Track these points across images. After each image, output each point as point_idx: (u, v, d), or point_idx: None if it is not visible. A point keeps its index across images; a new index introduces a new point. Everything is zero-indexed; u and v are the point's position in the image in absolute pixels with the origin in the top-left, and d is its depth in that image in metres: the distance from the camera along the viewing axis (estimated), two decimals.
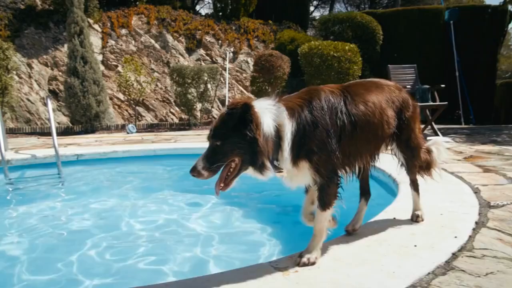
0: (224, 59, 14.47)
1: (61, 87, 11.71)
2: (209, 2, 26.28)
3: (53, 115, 8.19)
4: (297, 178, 1.96)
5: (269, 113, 1.84)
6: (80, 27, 10.59)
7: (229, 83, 13.73)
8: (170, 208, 4.12)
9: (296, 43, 14.07)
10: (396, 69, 7.41)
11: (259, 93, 12.98)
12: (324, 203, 1.98)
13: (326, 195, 1.97)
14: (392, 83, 2.39)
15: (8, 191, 5.16)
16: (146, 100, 12.95)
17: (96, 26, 13.66)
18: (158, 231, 3.41)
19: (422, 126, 7.45)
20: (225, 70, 13.73)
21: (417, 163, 2.48)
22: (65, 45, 12.83)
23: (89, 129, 10.87)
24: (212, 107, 13.14)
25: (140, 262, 2.74)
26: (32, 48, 12.51)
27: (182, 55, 14.28)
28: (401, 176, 3.67)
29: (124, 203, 4.37)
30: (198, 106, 12.24)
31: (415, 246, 2.10)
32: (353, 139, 2.02)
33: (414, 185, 2.54)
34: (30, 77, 12.07)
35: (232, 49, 14.96)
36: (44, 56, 12.55)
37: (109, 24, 13.97)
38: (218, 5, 16.93)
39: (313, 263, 1.91)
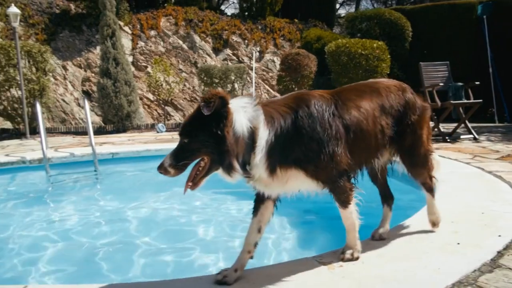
0: (250, 58, 14.57)
1: (94, 88, 12.12)
2: (234, 2, 26.50)
3: (84, 114, 8.49)
4: (275, 186, 1.85)
5: (244, 113, 1.73)
6: (112, 29, 10.93)
7: (255, 83, 13.81)
8: (207, 203, 4.24)
9: (322, 42, 14.00)
10: (428, 67, 7.27)
11: (285, 92, 13.01)
12: (342, 202, 1.94)
13: (338, 195, 1.93)
14: (394, 83, 2.20)
15: (49, 187, 5.43)
16: (174, 100, 13.22)
17: (126, 28, 14.05)
18: (200, 225, 3.52)
19: (455, 124, 7.30)
20: (251, 69, 13.82)
21: (425, 170, 2.29)
22: (98, 47, 13.26)
23: (120, 129, 11.21)
24: None
25: (189, 256, 2.85)
26: (66, 50, 13.00)
27: (209, 55, 14.48)
28: (437, 175, 3.67)
29: (161, 198, 4.52)
30: None
31: (458, 244, 2.11)
32: (347, 147, 1.92)
33: (426, 187, 2.34)
34: (65, 78, 12.56)
35: (258, 49, 15.04)
36: (78, 58, 13.01)
37: (138, 26, 14.34)
38: (244, 4, 17.05)
39: (357, 258, 1.95)
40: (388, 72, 11.50)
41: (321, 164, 1.83)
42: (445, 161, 4.66)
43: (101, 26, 11.01)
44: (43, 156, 5.94)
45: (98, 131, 11.24)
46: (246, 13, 16.91)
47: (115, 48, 10.97)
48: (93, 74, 12.78)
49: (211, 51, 14.64)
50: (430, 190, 2.36)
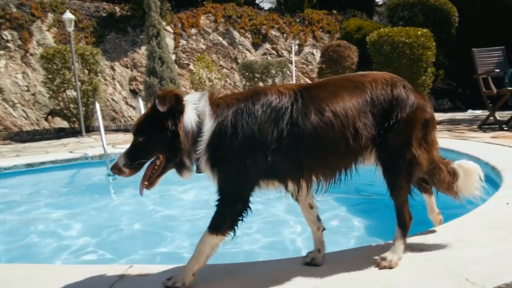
0: (289, 52, 14.59)
1: (141, 87, 12.63)
2: None
3: (136, 113, 8.89)
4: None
5: (194, 108, 1.69)
6: (157, 29, 11.32)
7: (295, 76, 13.83)
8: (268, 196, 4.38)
9: (363, 32, 13.76)
10: (482, 53, 7.01)
11: None
12: (211, 224, 1.69)
13: (216, 214, 1.70)
14: (383, 76, 1.89)
15: (110, 181, 5.79)
16: None
17: (168, 28, 14.48)
18: (266, 215, 3.67)
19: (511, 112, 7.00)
20: (291, 63, 13.85)
21: (405, 184, 1.88)
22: (142, 47, 13.78)
23: None
24: None
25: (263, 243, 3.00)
26: (113, 52, 13.61)
27: (248, 51, 14.64)
28: (503, 163, 3.60)
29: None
30: None
31: None
32: (295, 153, 1.71)
33: (399, 219, 1.91)
34: (113, 78, 13.17)
35: (297, 42, 15.02)
36: (124, 59, 13.59)
37: (179, 25, 14.74)
38: None
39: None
40: (433, 60, 11.14)
41: (233, 170, 1.68)
42: (505, 150, 4.54)
43: (146, 26, 11.43)
44: (103, 152, 6.33)
45: None
46: (284, 7, 16.90)
47: (160, 47, 11.36)
48: (139, 74, 13.31)
49: (250, 46, 14.79)
50: (402, 225, 1.91)
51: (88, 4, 14.46)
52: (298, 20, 15.81)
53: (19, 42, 12.57)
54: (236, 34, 14.85)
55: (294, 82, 13.13)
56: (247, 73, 11.95)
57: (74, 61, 9.80)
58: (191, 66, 13.69)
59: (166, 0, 14.29)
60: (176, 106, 1.64)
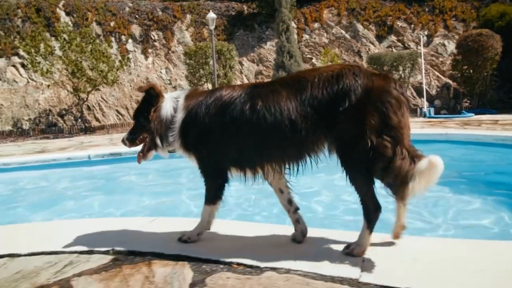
0: (417, 43, 13.80)
1: (265, 80, 13.27)
2: None
3: None
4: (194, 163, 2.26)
5: (171, 101, 2.23)
6: (287, 25, 11.77)
7: (424, 69, 13.05)
8: None
9: (507, 18, 12.33)
10: None
11: (461, 78, 11.95)
12: (205, 197, 2.26)
13: (206, 190, 2.24)
14: (331, 68, 1.96)
15: None
16: None
17: (291, 23, 14.88)
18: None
19: None
20: (419, 55, 13.09)
21: (361, 177, 1.87)
22: (268, 43, 14.44)
23: None
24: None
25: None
26: (241, 48, 14.52)
27: (372, 43, 14.27)
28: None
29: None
30: None
31: None
32: (242, 144, 2.05)
33: (364, 210, 1.95)
34: (241, 72, 14.08)
35: (425, 33, 14.12)
36: (251, 54, 14.41)
37: (303, 20, 15.03)
38: None
39: None
40: None
41: (202, 154, 2.16)
42: None
43: (276, 22, 11.96)
44: None
45: None
46: None
47: (289, 42, 11.78)
48: (264, 68, 13.98)
49: (374, 39, 14.39)
50: (367, 216, 1.95)
51: (219, 4, 15.65)
52: (427, 9, 14.82)
53: (164, 41, 14.22)
54: (359, 26, 14.58)
55: (423, 75, 12.41)
56: (375, 66, 11.68)
57: (214, 56, 10.75)
58: (313, 60, 13.89)
59: None
60: (151, 99, 2.24)
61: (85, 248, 2.27)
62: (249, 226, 2.74)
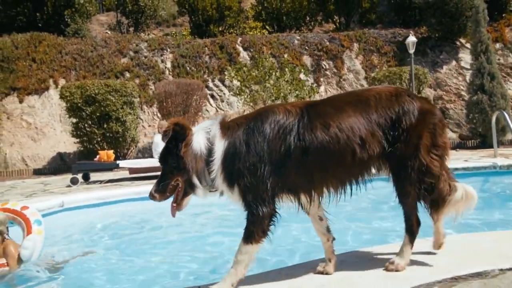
0: None
1: (448, 106, 12.56)
2: None
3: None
4: (235, 200, 1.94)
5: (204, 132, 1.93)
6: (486, 44, 11.05)
7: None
8: None
9: None
10: None
11: None
12: (243, 235, 1.90)
13: (246, 225, 1.90)
14: (387, 89, 2.02)
15: None
16: None
17: (467, 44, 14.09)
18: None
19: None
20: None
21: (413, 191, 1.96)
22: (444, 67, 13.82)
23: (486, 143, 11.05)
24: None
25: None
26: None
27: None
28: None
29: None
30: None
31: None
32: (304, 166, 1.88)
33: (407, 224, 2.03)
34: None
35: None
36: None
37: None
38: None
39: None
40: None
41: (252, 183, 1.85)
42: None
43: (474, 42, 11.36)
44: None
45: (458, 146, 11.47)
46: None
47: (489, 63, 11.01)
48: (444, 92, 13.30)
49: None
50: (410, 231, 2.04)
51: (385, 32, 15.58)
52: None
53: (334, 70, 14.50)
54: None
55: None
56: None
57: (413, 78, 10.52)
58: (509, 83, 12.82)
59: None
60: (177, 135, 1.91)
61: None
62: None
